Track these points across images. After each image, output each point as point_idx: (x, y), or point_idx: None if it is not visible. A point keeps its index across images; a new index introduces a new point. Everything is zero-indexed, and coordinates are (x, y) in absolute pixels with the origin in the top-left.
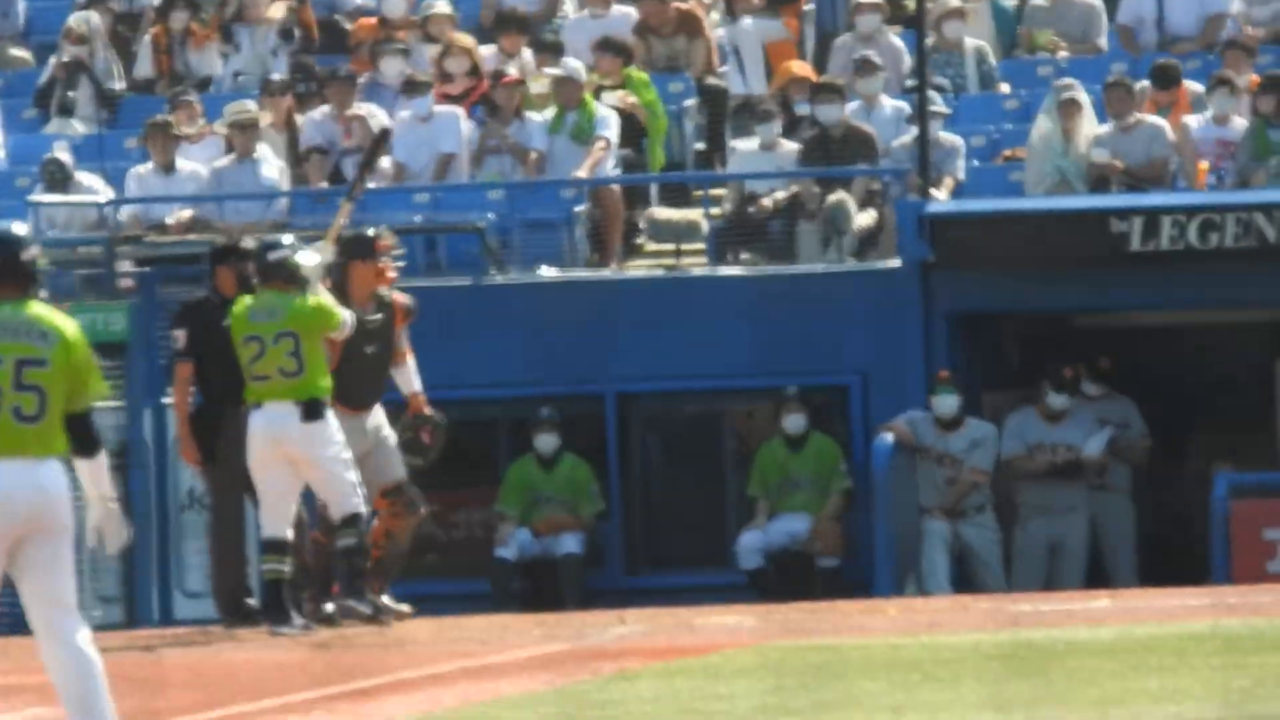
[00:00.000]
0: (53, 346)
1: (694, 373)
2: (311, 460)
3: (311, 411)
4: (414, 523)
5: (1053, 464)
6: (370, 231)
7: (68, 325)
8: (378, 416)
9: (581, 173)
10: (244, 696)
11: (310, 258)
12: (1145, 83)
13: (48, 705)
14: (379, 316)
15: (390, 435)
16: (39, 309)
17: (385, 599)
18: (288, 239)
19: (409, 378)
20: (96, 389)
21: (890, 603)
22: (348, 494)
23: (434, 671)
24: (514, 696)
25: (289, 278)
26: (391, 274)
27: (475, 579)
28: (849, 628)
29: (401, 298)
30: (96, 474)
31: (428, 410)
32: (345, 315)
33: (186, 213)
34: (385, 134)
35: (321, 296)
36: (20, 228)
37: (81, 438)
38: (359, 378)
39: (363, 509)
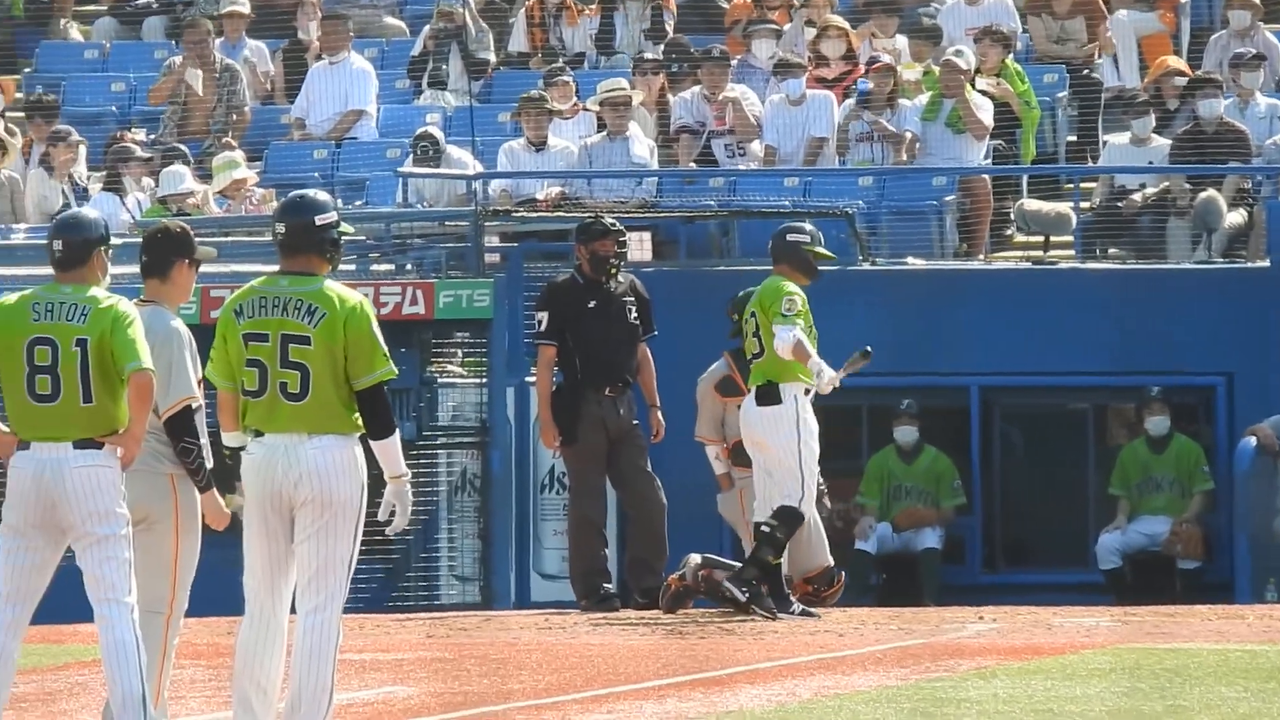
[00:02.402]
0: (318, 324)
1: (1058, 368)
2: (765, 446)
3: (762, 396)
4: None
5: None
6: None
7: (344, 302)
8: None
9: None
10: (598, 681)
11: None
12: None
13: (403, 683)
14: None
15: (818, 516)
16: (317, 284)
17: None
18: (809, 225)
19: None
20: (374, 369)
21: (1249, 609)
22: (785, 489)
23: (789, 663)
24: (869, 691)
25: (794, 263)
26: None
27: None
28: (1206, 633)
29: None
30: (384, 455)
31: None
32: (817, 368)
33: (555, 189)
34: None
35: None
36: (320, 194)
37: (366, 416)
38: None
39: (797, 505)
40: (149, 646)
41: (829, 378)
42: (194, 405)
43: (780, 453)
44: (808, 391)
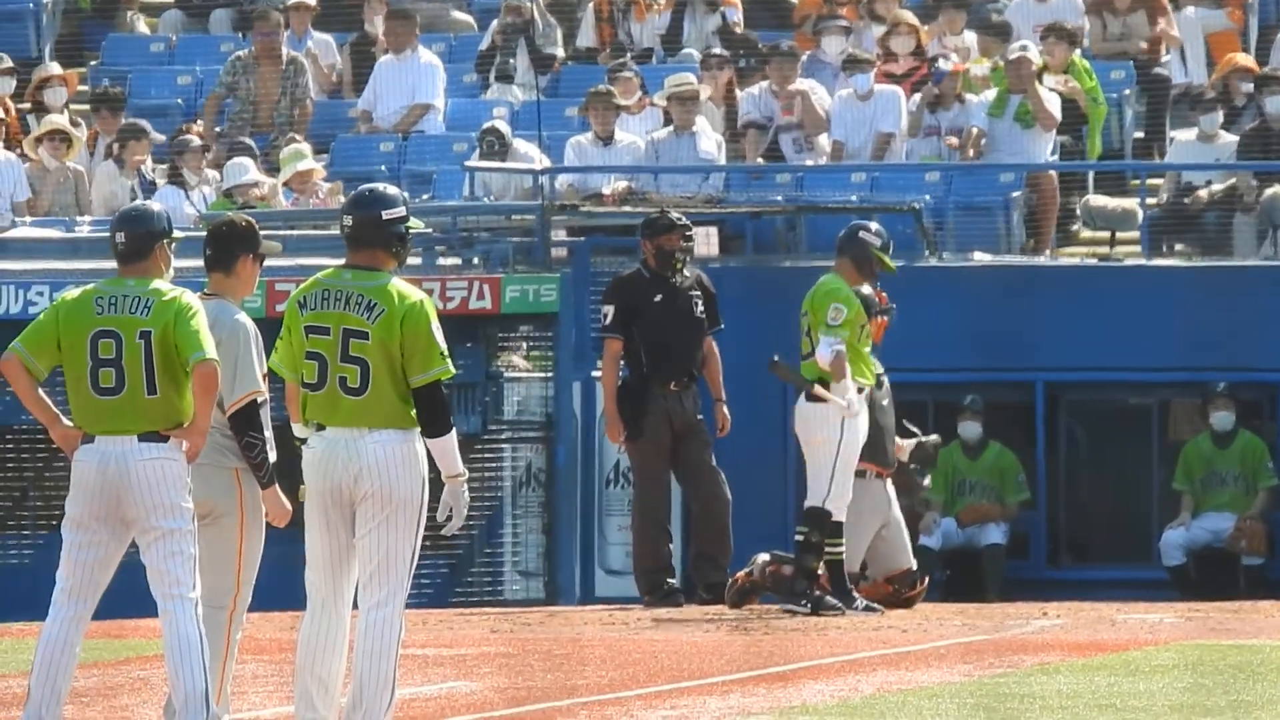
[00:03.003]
0: (376, 320)
1: (1123, 364)
2: (803, 441)
3: (809, 393)
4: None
5: None
6: None
7: (404, 299)
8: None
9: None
10: (662, 677)
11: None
12: None
13: (466, 678)
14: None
15: (901, 517)
16: (381, 280)
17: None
18: (882, 229)
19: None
20: (429, 367)
21: None
22: (817, 488)
23: (853, 658)
24: (933, 686)
25: (856, 260)
26: None
27: None
28: (1270, 628)
29: None
30: (440, 453)
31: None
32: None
33: (622, 184)
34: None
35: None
36: (389, 189)
37: (422, 414)
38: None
39: (827, 507)
40: (212, 641)
41: (852, 405)
42: (259, 399)
43: (819, 451)
44: (861, 391)
